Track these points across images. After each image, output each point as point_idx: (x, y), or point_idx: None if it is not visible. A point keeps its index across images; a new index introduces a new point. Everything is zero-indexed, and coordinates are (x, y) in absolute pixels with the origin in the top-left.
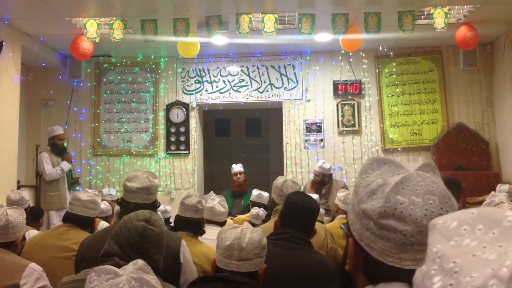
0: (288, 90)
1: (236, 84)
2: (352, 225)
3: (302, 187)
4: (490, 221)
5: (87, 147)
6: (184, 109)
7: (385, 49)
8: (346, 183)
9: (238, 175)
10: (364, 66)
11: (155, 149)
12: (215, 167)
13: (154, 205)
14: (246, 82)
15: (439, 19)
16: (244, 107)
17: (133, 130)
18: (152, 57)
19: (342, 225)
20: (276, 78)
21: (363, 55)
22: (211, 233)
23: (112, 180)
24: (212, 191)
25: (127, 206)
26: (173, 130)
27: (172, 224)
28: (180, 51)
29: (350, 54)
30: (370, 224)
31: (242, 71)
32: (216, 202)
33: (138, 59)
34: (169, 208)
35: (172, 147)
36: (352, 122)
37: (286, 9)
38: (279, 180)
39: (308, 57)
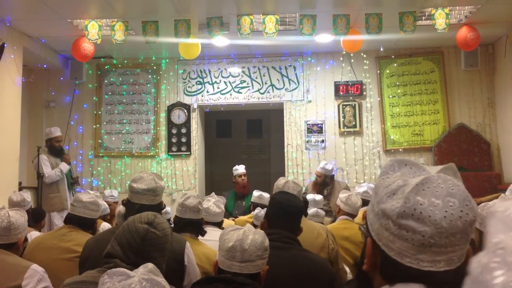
0: (289, 91)
1: (237, 85)
2: (371, 225)
3: (304, 188)
4: None
5: (89, 148)
6: (185, 110)
7: (386, 50)
8: (348, 184)
9: (243, 177)
10: (365, 67)
11: (157, 150)
12: (216, 168)
13: (159, 207)
14: (247, 83)
15: (440, 19)
16: (245, 108)
17: (135, 131)
18: (154, 58)
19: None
20: (277, 79)
21: (364, 56)
22: (208, 233)
23: (113, 182)
24: (213, 192)
25: (132, 207)
26: (174, 131)
27: (172, 225)
28: (181, 52)
29: (351, 55)
30: (389, 224)
31: (243, 72)
32: (211, 203)
33: (139, 60)
34: (169, 209)
35: (173, 148)
36: (353, 123)
37: (287, 10)
38: (281, 181)
39: (309, 58)
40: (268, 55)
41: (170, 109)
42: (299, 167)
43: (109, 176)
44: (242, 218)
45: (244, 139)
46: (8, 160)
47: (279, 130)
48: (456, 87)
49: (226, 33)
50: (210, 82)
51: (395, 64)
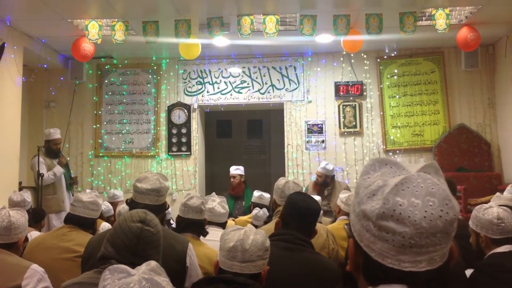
0: (290, 91)
1: (237, 85)
2: (353, 226)
3: (304, 188)
4: None
5: (89, 148)
6: (185, 111)
7: (387, 50)
8: (348, 184)
9: (232, 178)
10: (365, 67)
11: (157, 150)
12: (216, 169)
13: (163, 207)
14: (248, 84)
15: (441, 20)
16: (246, 108)
17: (135, 131)
18: (154, 58)
19: (345, 225)
20: (278, 79)
21: (365, 56)
22: (212, 234)
23: (113, 181)
24: (214, 192)
25: (135, 206)
26: (174, 131)
27: (174, 225)
28: (182, 53)
29: (352, 55)
30: (370, 225)
31: (243, 72)
32: (216, 203)
33: (140, 60)
34: (170, 209)
35: (174, 148)
36: (354, 123)
37: (288, 10)
38: (281, 181)
39: (309, 58)
40: (269, 55)
41: (170, 109)
42: (299, 168)
43: (109, 176)
44: (242, 218)
45: (244, 139)
46: (8, 160)
47: (280, 130)
48: (456, 87)
49: (227, 33)
50: (211, 82)
51: (396, 65)
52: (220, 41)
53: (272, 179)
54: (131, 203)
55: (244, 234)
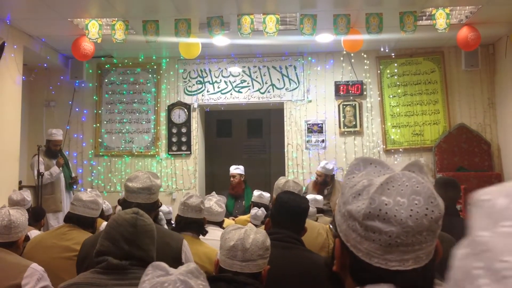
0: (290, 90)
1: (237, 84)
2: (339, 226)
3: (304, 188)
4: None
5: (89, 147)
6: (185, 110)
7: (387, 50)
8: None
9: (232, 178)
10: (365, 67)
11: (157, 150)
12: (216, 168)
13: (155, 205)
14: (248, 83)
15: (441, 20)
16: (246, 107)
17: (135, 130)
18: (154, 57)
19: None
20: (278, 79)
21: (365, 55)
22: (209, 233)
23: (113, 181)
24: (214, 192)
25: (128, 206)
26: (174, 130)
27: (174, 225)
28: (182, 52)
29: (352, 55)
30: (356, 225)
31: (243, 71)
32: (213, 202)
33: (140, 60)
34: (171, 209)
35: (174, 148)
36: (354, 123)
37: (288, 10)
38: (281, 180)
39: (309, 58)
40: (269, 54)
41: (170, 108)
42: (299, 167)
43: (109, 175)
44: (242, 217)
45: (244, 139)
46: (8, 159)
47: (280, 130)
48: (456, 87)
49: (227, 33)
50: (211, 82)
51: (396, 64)
52: (220, 40)
53: (272, 178)
54: (124, 203)
55: (245, 233)
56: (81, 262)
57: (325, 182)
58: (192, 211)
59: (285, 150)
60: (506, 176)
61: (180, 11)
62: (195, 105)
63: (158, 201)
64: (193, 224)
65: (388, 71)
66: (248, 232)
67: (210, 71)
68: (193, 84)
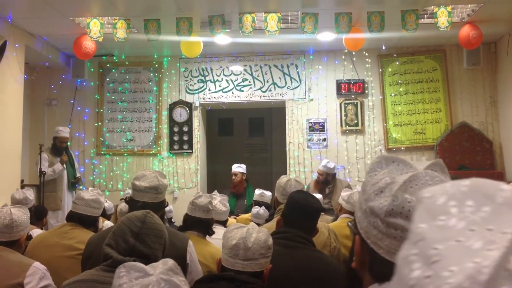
0: (291, 89)
1: (239, 83)
2: (359, 223)
3: (305, 187)
4: (481, 196)
5: (91, 146)
6: (187, 109)
7: (388, 48)
8: (350, 183)
9: (234, 176)
10: (367, 65)
11: (158, 149)
12: (218, 167)
13: (162, 205)
14: (249, 82)
15: (443, 18)
16: (247, 106)
17: (136, 129)
18: (155, 56)
19: (349, 223)
20: (279, 78)
21: (366, 54)
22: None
23: (115, 179)
24: (216, 191)
25: (135, 205)
26: (176, 129)
27: (175, 223)
28: (183, 51)
29: (353, 53)
30: (377, 222)
31: (245, 70)
32: (217, 201)
33: (141, 58)
34: (172, 208)
35: (175, 147)
36: (355, 122)
37: (289, 8)
38: (283, 179)
39: (311, 56)
40: (270, 53)
41: (172, 107)
42: (301, 166)
43: (111, 174)
44: (244, 216)
45: (246, 138)
46: (10, 158)
47: (281, 129)
48: (458, 85)
49: (228, 31)
50: (212, 80)
51: (397, 63)
52: (222, 39)
53: (274, 177)
54: (130, 201)
55: (247, 232)
56: (86, 260)
57: (326, 181)
58: (200, 210)
59: (287, 148)
60: (508, 175)
61: (182, 10)
62: (197, 104)
63: (164, 201)
64: (199, 223)
65: (389, 69)
66: (250, 231)
67: (211, 69)
68: (195, 83)
